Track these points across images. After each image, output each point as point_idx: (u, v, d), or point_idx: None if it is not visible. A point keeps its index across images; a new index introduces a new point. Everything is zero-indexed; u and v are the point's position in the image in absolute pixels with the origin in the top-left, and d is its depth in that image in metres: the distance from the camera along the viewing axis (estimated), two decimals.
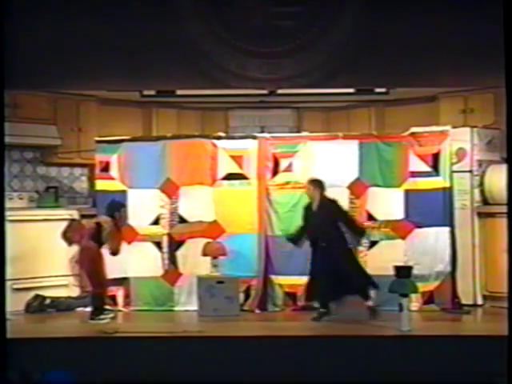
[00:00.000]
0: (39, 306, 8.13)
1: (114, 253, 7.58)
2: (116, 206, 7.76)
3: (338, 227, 7.56)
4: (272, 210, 8.33)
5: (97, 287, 7.51)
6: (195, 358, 6.25)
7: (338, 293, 7.41)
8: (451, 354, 6.20)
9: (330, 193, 8.21)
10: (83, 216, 8.64)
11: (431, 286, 8.10)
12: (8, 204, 6.87)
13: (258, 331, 7.08)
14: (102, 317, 7.44)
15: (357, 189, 8.30)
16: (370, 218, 8.27)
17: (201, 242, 8.21)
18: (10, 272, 6.42)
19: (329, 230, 7.49)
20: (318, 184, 7.68)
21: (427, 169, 8.21)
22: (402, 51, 6.92)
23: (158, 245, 8.35)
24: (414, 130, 8.27)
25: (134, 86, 7.96)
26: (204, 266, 8.15)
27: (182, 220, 8.41)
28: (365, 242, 8.17)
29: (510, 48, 5.85)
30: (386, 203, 8.26)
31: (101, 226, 7.51)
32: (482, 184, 8.40)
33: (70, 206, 9.10)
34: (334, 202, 7.63)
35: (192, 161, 8.44)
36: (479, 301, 8.22)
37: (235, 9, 6.93)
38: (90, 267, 7.45)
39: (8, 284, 6.70)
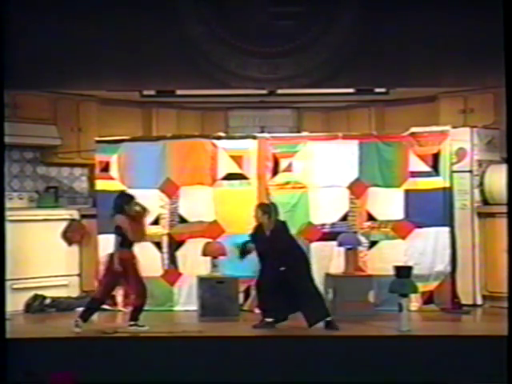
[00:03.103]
0: (39, 306, 8.13)
1: (139, 240, 7.22)
2: (122, 199, 7.23)
3: (294, 248, 7.23)
4: None
5: (103, 296, 7.22)
6: (195, 358, 6.24)
7: (285, 308, 7.17)
8: (451, 354, 6.20)
9: (330, 193, 8.25)
10: (83, 216, 8.67)
11: (431, 286, 8.11)
12: (8, 204, 6.88)
13: (257, 331, 7.07)
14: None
15: (357, 189, 8.30)
16: (370, 218, 8.28)
17: (201, 242, 8.21)
18: (9, 272, 6.42)
19: (285, 254, 7.13)
20: (266, 209, 7.38)
21: (427, 169, 8.21)
22: (402, 51, 6.93)
23: (158, 245, 8.35)
24: (413, 130, 8.28)
25: (134, 86, 7.96)
26: (204, 266, 8.15)
27: (182, 220, 8.41)
28: (365, 242, 8.20)
29: (510, 48, 5.86)
30: (386, 203, 8.26)
31: (118, 227, 7.06)
32: (482, 184, 8.40)
33: (69, 206, 9.10)
34: (283, 223, 7.39)
35: (192, 161, 8.44)
36: (479, 301, 8.22)
37: (235, 9, 6.94)
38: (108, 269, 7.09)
39: (8, 284, 6.71)
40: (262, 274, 7.32)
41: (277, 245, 7.16)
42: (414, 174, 8.23)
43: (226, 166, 8.42)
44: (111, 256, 7.07)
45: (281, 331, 7.06)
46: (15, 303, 7.75)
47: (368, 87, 8.71)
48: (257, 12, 6.92)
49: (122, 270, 6.96)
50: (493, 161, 8.43)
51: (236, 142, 8.51)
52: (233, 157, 8.42)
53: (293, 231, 7.88)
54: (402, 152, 8.28)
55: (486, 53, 6.66)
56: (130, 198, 7.25)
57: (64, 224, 8.53)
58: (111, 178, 8.49)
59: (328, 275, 8.00)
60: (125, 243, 7.03)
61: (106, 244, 8.20)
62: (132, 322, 7.04)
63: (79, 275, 8.57)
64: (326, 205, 8.30)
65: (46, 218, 8.42)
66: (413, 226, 8.17)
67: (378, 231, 8.26)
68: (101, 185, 8.52)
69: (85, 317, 7.02)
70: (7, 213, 6.33)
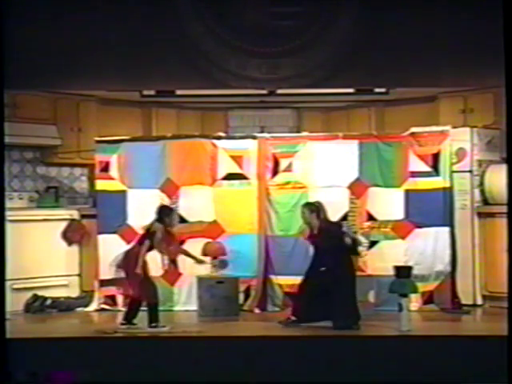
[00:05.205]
0: (40, 307, 8.12)
1: (173, 259, 7.56)
2: (165, 210, 7.34)
3: (341, 251, 7.09)
4: (272, 209, 8.33)
5: (145, 294, 7.10)
6: (195, 358, 6.24)
7: (315, 312, 7.09)
8: (451, 354, 6.20)
9: (330, 193, 8.24)
10: (83, 216, 8.67)
11: (431, 286, 8.10)
12: (8, 204, 6.87)
13: (258, 331, 7.07)
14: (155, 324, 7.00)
15: (357, 189, 8.29)
16: (370, 217, 8.27)
17: (201, 242, 8.21)
18: (9, 272, 6.42)
19: (330, 255, 7.07)
20: (313, 208, 7.34)
21: (427, 169, 8.21)
22: (402, 51, 6.92)
23: None
24: (413, 129, 8.27)
25: (134, 86, 7.96)
26: (204, 266, 8.14)
27: (182, 220, 8.41)
28: (365, 242, 8.20)
29: (510, 48, 5.85)
30: (386, 203, 8.26)
31: (153, 233, 7.11)
32: (482, 184, 8.39)
33: (69, 206, 9.10)
34: (335, 224, 7.43)
35: (192, 161, 8.45)
36: (479, 301, 8.22)
37: (235, 9, 6.94)
38: (134, 272, 7.03)
39: (8, 284, 6.71)
40: (306, 273, 7.28)
41: (322, 244, 7.14)
42: (414, 174, 8.22)
43: (226, 166, 8.41)
44: (133, 259, 7.03)
45: (280, 331, 7.06)
46: (15, 303, 7.75)
47: (368, 87, 8.71)
48: (257, 12, 6.92)
49: (124, 265, 7.07)
50: (493, 161, 8.43)
51: (236, 142, 8.51)
52: (233, 157, 8.41)
53: (293, 231, 7.89)
54: (401, 152, 8.27)
55: (486, 53, 6.66)
56: (171, 210, 7.45)
57: (64, 224, 8.52)
58: (111, 178, 8.49)
59: None
60: (150, 249, 7.12)
61: (106, 244, 8.26)
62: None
63: (79, 275, 8.57)
64: (326, 205, 8.27)
65: (46, 218, 8.42)
66: (413, 225, 8.17)
67: (378, 231, 8.25)
68: (101, 185, 8.52)
69: (154, 321, 6.99)
70: (7, 213, 6.32)
